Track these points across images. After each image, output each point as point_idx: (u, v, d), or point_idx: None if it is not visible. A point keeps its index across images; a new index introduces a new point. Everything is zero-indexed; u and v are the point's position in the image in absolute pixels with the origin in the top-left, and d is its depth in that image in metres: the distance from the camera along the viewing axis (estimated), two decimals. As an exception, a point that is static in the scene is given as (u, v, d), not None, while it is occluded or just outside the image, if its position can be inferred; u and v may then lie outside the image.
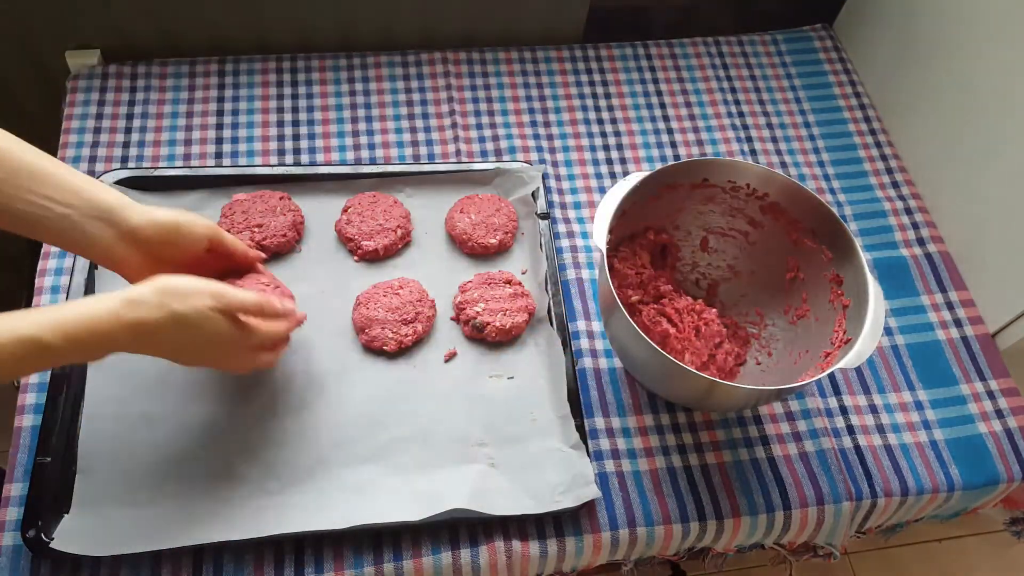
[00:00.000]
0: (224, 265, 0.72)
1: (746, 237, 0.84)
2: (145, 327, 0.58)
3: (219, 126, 0.98)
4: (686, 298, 0.83)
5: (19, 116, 1.07)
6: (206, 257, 0.69)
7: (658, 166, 1.00)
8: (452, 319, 0.84)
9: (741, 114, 1.07)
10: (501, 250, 0.89)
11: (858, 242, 0.73)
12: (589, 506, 0.75)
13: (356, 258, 0.87)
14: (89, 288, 0.80)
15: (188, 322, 0.60)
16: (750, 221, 0.83)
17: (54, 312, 0.55)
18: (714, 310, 0.83)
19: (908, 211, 0.99)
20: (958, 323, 0.91)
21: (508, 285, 0.84)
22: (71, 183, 0.62)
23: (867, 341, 0.68)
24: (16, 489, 0.72)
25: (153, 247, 0.65)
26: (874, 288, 0.71)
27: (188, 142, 0.96)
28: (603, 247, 0.71)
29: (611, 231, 0.74)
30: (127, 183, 0.86)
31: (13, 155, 0.60)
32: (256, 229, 0.85)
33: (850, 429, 0.83)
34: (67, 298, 0.78)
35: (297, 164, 0.95)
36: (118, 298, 0.58)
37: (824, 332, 0.76)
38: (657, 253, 0.86)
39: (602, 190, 0.97)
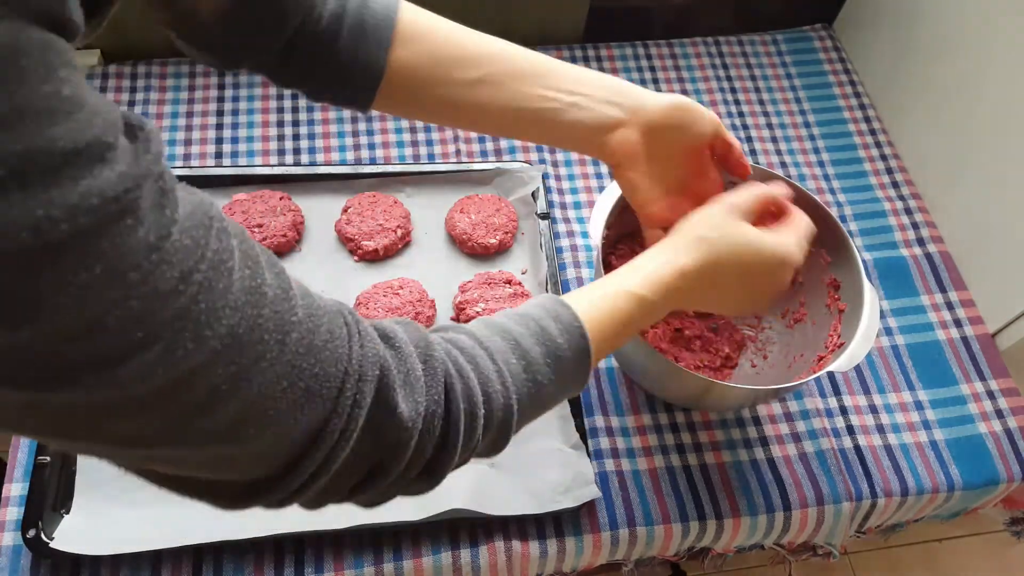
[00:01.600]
0: (708, 174, 0.65)
1: (746, 237, 0.84)
2: (696, 269, 0.55)
3: (219, 126, 0.98)
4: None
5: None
6: (704, 155, 0.63)
7: (658, 166, 1.00)
8: (452, 319, 0.84)
9: (741, 114, 1.07)
10: (501, 250, 0.89)
11: (857, 244, 0.73)
12: (589, 506, 0.75)
13: (356, 258, 0.87)
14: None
15: (722, 241, 0.56)
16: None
17: (634, 272, 0.54)
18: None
19: (908, 211, 0.99)
20: (958, 323, 0.91)
21: (508, 285, 0.84)
22: (576, 74, 0.60)
23: (860, 345, 0.68)
24: (16, 489, 0.72)
25: (656, 128, 0.59)
26: (870, 293, 0.71)
27: (188, 142, 0.96)
28: (598, 243, 0.71)
29: (610, 227, 0.74)
30: (127, 183, 0.86)
31: (516, 58, 0.59)
32: (256, 229, 0.85)
33: (850, 429, 0.83)
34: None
35: (297, 164, 0.95)
36: (667, 248, 0.56)
37: (820, 336, 0.76)
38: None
39: (602, 190, 0.97)
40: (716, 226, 0.56)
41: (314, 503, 0.42)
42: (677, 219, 0.59)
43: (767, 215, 0.62)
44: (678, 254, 0.55)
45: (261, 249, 0.36)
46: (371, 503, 0.44)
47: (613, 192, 0.74)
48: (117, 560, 0.68)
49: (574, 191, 0.97)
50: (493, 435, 0.47)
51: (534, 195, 0.91)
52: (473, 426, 0.44)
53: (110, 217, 0.28)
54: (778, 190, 0.62)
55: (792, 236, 0.59)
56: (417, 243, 0.90)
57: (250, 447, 0.36)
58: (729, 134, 0.63)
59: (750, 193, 0.59)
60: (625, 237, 0.83)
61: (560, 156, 1.00)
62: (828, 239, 0.76)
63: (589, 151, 0.62)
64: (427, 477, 0.44)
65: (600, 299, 0.52)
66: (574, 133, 0.60)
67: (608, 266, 0.80)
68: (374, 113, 1.00)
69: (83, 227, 0.27)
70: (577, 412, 0.78)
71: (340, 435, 0.38)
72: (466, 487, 0.73)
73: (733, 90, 1.09)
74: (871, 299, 0.71)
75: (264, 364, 0.34)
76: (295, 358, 0.36)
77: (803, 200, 0.76)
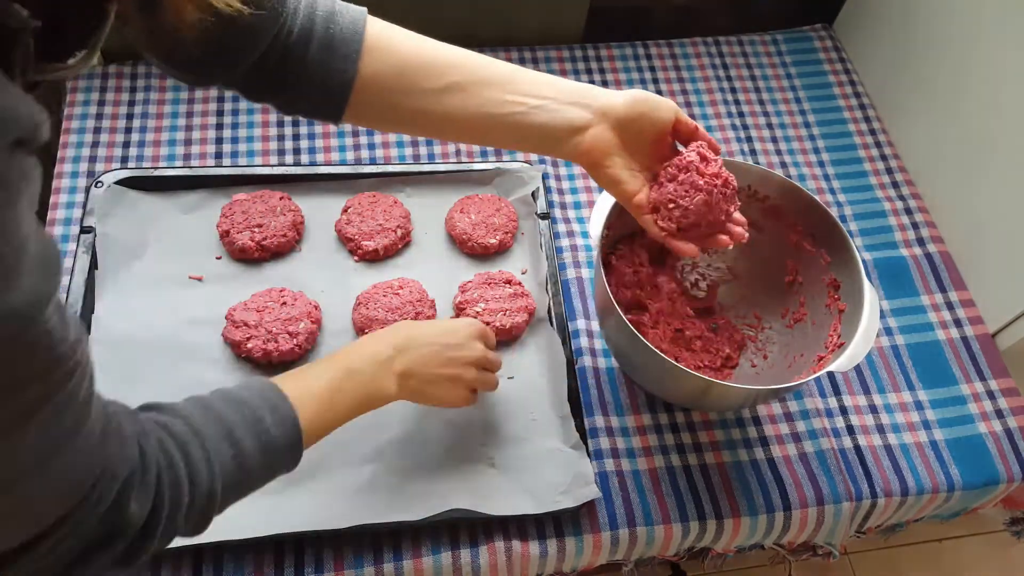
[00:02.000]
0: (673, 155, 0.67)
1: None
2: (414, 372, 0.65)
3: (219, 126, 0.98)
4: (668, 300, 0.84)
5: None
6: (666, 139, 0.66)
7: (658, 166, 1.00)
8: (452, 319, 0.84)
9: (741, 114, 1.07)
10: (501, 250, 0.89)
11: (857, 244, 0.73)
12: (589, 506, 0.75)
13: (356, 258, 0.87)
14: (89, 288, 0.80)
15: (450, 365, 0.67)
16: (751, 223, 0.82)
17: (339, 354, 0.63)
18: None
19: (908, 211, 0.99)
20: (958, 323, 0.91)
21: (508, 285, 0.84)
22: (537, 79, 0.62)
23: (859, 345, 0.68)
24: (16, 489, 0.71)
25: (623, 122, 0.62)
26: (870, 293, 0.71)
27: (188, 142, 0.96)
28: (598, 243, 0.71)
29: (609, 227, 0.74)
30: (127, 183, 0.86)
31: (480, 66, 0.61)
32: (256, 229, 0.85)
33: (850, 429, 0.83)
34: (67, 298, 0.78)
35: (297, 164, 0.95)
36: (391, 347, 0.65)
37: (819, 336, 0.76)
38: (656, 252, 0.86)
39: (602, 191, 0.97)
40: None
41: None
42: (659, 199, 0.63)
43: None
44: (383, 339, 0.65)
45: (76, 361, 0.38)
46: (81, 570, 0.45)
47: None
48: (117, 560, 0.68)
49: (574, 191, 0.97)
50: (195, 519, 0.49)
51: (534, 195, 0.91)
52: (174, 517, 0.47)
53: None
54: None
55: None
56: (417, 243, 0.90)
57: None
58: (686, 116, 0.65)
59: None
60: (625, 237, 0.83)
61: (560, 156, 1.00)
62: (828, 239, 0.76)
63: (560, 153, 0.64)
64: (124, 566, 0.46)
65: (315, 379, 0.59)
66: (543, 135, 0.62)
67: (608, 266, 0.80)
68: (374, 113, 1.00)
69: None
70: (577, 412, 0.78)
71: (77, 525, 0.41)
72: (466, 487, 0.73)
73: (733, 90, 1.09)
74: (871, 299, 0.71)
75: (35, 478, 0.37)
76: (63, 466, 0.38)
77: (803, 201, 0.77)
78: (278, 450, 0.53)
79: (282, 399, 0.55)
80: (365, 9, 0.60)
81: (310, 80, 0.58)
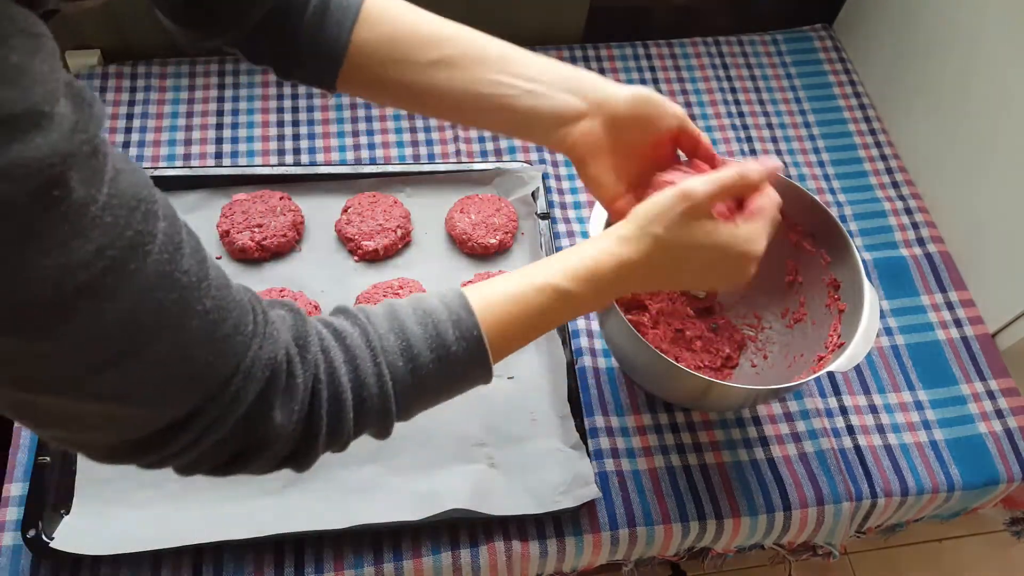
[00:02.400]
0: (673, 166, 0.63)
1: (746, 238, 0.84)
2: (641, 262, 0.54)
3: (219, 126, 0.98)
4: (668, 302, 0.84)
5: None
6: (669, 148, 0.62)
7: (658, 166, 1.00)
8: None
9: (741, 114, 1.07)
10: (501, 250, 0.89)
11: (857, 244, 0.73)
12: (589, 506, 0.75)
13: (356, 258, 0.87)
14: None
15: (676, 240, 0.54)
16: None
17: (560, 261, 0.54)
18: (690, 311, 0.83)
19: (908, 211, 0.99)
20: (958, 323, 0.91)
21: (508, 285, 0.84)
22: (534, 61, 0.59)
23: (860, 345, 0.68)
24: (16, 489, 0.72)
25: (620, 121, 0.58)
26: (870, 293, 0.71)
27: (188, 142, 0.96)
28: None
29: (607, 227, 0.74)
30: (127, 183, 0.86)
31: (476, 42, 0.59)
32: (256, 229, 0.85)
33: (850, 429, 0.83)
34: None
35: (297, 164, 0.95)
36: (612, 237, 0.54)
37: (820, 336, 0.76)
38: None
39: (602, 190, 0.97)
40: (670, 224, 0.54)
41: (184, 471, 0.44)
42: None
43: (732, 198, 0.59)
44: (622, 244, 0.54)
45: (188, 234, 0.38)
46: (241, 471, 0.46)
47: None
48: (117, 560, 0.68)
49: (574, 191, 0.97)
50: (373, 428, 0.49)
51: (534, 195, 0.91)
52: (336, 429, 0.46)
53: (35, 187, 0.30)
54: (748, 168, 0.57)
55: (755, 226, 0.56)
56: (417, 243, 0.90)
57: (131, 412, 0.39)
58: (694, 126, 0.61)
59: (712, 182, 0.54)
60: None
61: (560, 156, 1.00)
62: (828, 239, 0.76)
63: (549, 143, 0.60)
64: (294, 464, 0.47)
65: (516, 295, 0.52)
66: (532, 121, 0.58)
67: None
68: (374, 113, 1.01)
69: (5, 193, 0.29)
70: (577, 412, 0.78)
71: (213, 421, 0.41)
72: (466, 487, 0.73)
73: (733, 90, 1.09)
74: (871, 299, 0.71)
75: (158, 345, 0.37)
76: (189, 346, 0.38)
77: (802, 201, 0.77)
78: (459, 363, 0.50)
79: (467, 311, 0.50)
80: None
81: (305, 45, 0.57)
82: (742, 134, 1.05)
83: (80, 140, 0.31)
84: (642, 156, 0.61)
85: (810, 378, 0.69)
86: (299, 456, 0.47)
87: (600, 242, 0.55)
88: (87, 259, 0.32)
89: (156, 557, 0.69)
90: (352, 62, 0.58)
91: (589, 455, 0.76)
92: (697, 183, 0.54)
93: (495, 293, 0.52)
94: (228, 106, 0.99)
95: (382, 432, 0.50)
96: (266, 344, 0.42)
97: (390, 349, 0.48)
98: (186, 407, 0.40)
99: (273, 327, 0.43)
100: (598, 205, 0.75)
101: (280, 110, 1.00)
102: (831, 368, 0.67)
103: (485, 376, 0.52)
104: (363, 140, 0.98)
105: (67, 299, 0.32)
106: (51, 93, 0.30)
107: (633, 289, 0.56)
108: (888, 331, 0.90)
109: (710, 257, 0.55)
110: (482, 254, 0.89)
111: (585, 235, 0.93)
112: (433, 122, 1.00)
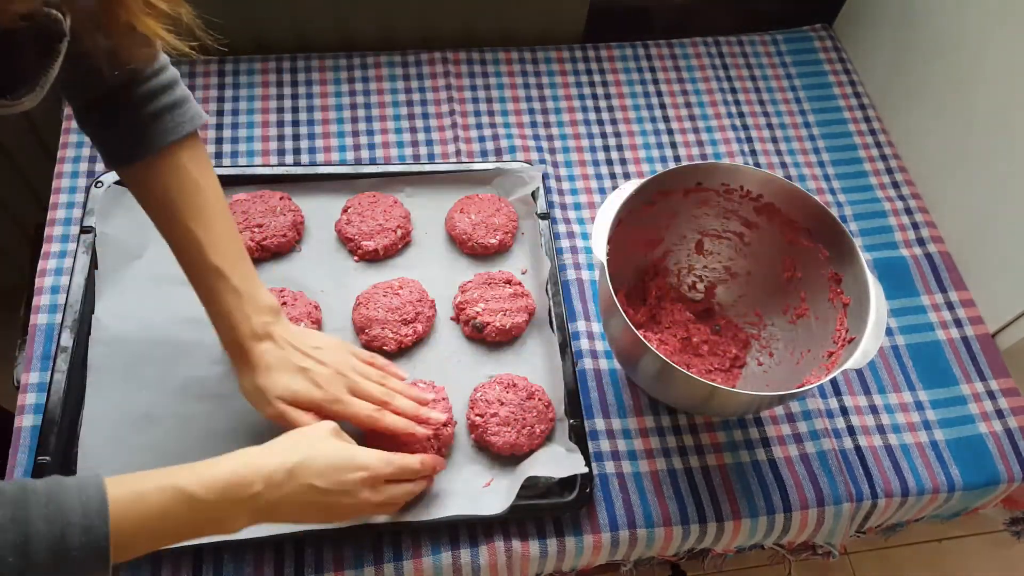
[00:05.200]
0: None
1: (741, 238, 0.84)
2: (282, 507, 0.59)
3: (219, 126, 0.98)
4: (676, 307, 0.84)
5: (19, 116, 1.07)
6: None
7: (658, 166, 1.00)
8: (452, 319, 0.84)
9: (741, 114, 1.07)
10: (501, 250, 0.89)
11: (857, 244, 0.73)
12: (589, 506, 0.75)
13: (356, 258, 0.87)
14: (89, 288, 0.80)
15: (329, 502, 0.61)
16: (744, 222, 0.82)
17: (199, 468, 0.56)
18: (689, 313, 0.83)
19: (908, 211, 0.99)
20: (958, 323, 0.91)
21: (508, 285, 0.84)
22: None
23: (871, 340, 0.68)
24: (16, 489, 0.71)
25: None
26: (875, 286, 0.70)
27: (188, 142, 0.96)
28: (603, 259, 0.71)
29: (608, 241, 0.74)
30: (127, 183, 0.86)
31: (202, 260, 0.68)
32: (256, 229, 0.85)
33: (850, 430, 0.83)
34: (67, 299, 0.78)
35: (297, 164, 0.95)
36: (261, 479, 0.57)
37: (825, 331, 0.76)
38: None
39: (602, 190, 0.97)
40: (309, 436, 0.63)
41: None
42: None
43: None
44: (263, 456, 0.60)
45: None
46: None
47: (612, 205, 0.74)
48: (117, 560, 0.68)
49: (574, 191, 0.97)
50: None
51: (534, 195, 0.91)
52: None
53: None
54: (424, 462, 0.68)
55: (373, 455, 0.64)
56: (417, 243, 0.90)
57: None
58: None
59: (392, 462, 0.64)
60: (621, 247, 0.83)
61: (560, 156, 1.00)
62: (825, 235, 0.76)
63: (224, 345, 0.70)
64: None
65: (150, 496, 0.53)
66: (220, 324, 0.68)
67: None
68: (374, 113, 1.01)
69: None
70: (577, 414, 0.77)
71: None
72: (466, 487, 0.73)
73: (733, 90, 1.09)
74: (876, 292, 0.70)
75: None
76: None
77: (799, 199, 0.77)
78: (75, 565, 0.49)
79: (101, 518, 0.50)
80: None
81: (124, 129, 0.65)
82: (742, 134, 1.05)
83: None
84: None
85: (827, 378, 0.68)
86: None
87: (246, 475, 0.58)
88: None
89: (156, 557, 0.69)
90: (140, 177, 0.67)
91: (589, 456, 0.75)
92: (380, 463, 0.64)
93: (131, 495, 0.52)
94: (228, 106, 0.99)
95: None
96: None
97: (5, 544, 0.47)
98: None
99: None
100: (599, 220, 0.74)
101: (280, 110, 1.00)
102: (848, 366, 0.66)
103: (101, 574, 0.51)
104: (363, 140, 0.98)
105: None
106: None
107: (262, 520, 0.60)
108: (888, 331, 0.90)
109: (348, 508, 0.63)
110: (482, 254, 0.88)
111: (585, 236, 0.93)
112: (433, 122, 1.00)
